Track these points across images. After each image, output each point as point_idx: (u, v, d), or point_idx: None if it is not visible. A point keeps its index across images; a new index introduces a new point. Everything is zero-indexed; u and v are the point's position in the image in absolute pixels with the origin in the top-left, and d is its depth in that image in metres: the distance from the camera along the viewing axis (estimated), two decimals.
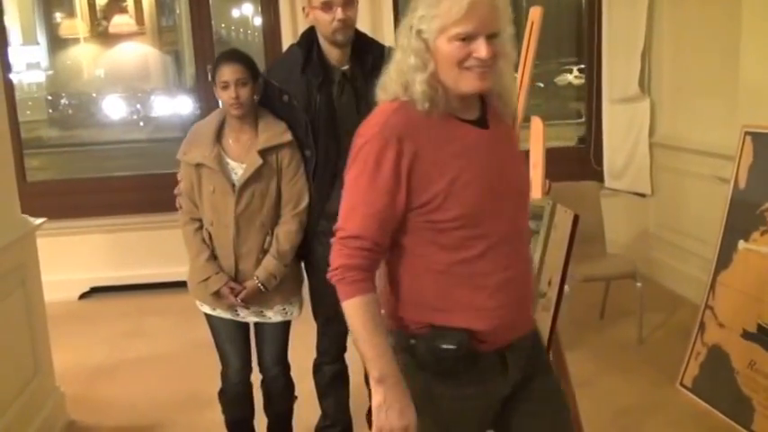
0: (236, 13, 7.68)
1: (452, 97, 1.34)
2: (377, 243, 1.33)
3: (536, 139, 1.87)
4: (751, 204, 2.81)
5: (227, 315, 2.31)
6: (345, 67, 2.22)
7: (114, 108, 6.18)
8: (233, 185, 2.18)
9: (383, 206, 1.30)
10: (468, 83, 1.31)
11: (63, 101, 6.26)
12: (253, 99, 2.18)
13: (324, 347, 2.48)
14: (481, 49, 1.27)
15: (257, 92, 2.20)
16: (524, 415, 1.47)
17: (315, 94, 2.19)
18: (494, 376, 1.41)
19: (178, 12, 7.64)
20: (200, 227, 2.27)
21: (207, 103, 4.48)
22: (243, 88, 2.14)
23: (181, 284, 4.33)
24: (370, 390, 2.53)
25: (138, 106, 6.47)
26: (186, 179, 2.27)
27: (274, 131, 2.20)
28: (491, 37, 1.29)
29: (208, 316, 2.35)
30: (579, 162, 4.60)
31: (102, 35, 5.69)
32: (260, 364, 2.42)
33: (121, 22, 5.43)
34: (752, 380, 2.66)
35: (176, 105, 6.52)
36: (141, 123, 6.15)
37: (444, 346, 1.34)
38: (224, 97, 2.16)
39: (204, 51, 4.38)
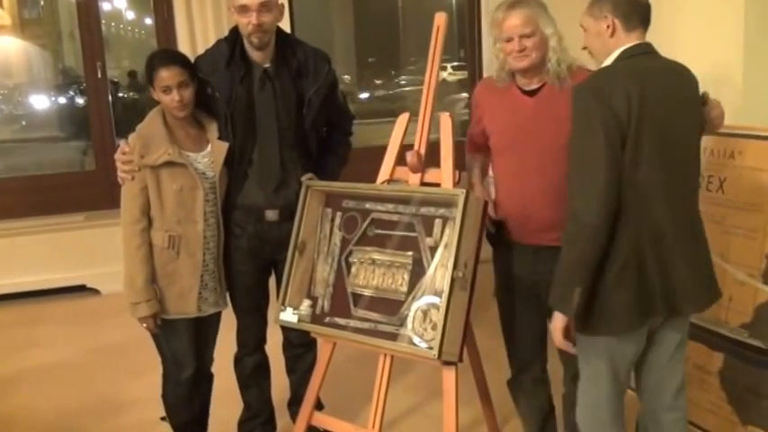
0: (106, 6, 7.35)
1: None
2: None
3: (445, 134, 2.04)
4: None
5: (192, 315, 2.25)
6: (267, 65, 2.29)
7: None
8: (201, 179, 2.19)
9: None
10: None
11: None
12: (193, 98, 2.20)
13: (244, 340, 2.52)
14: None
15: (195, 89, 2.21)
16: None
17: (237, 87, 2.26)
18: None
19: (42, 3, 7.19)
20: (146, 241, 2.18)
21: (96, 99, 4.28)
22: (185, 90, 2.15)
23: (71, 290, 4.21)
24: (290, 379, 2.64)
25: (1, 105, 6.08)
26: (137, 187, 2.16)
27: (215, 120, 2.28)
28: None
29: (168, 322, 2.24)
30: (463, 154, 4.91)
31: None
32: (201, 359, 2.38)
33: None
34: None
35: (47, 102, 6.18)
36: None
37: None
38: (166, 101, 2.15)
39: (93, 48, 4.18)
